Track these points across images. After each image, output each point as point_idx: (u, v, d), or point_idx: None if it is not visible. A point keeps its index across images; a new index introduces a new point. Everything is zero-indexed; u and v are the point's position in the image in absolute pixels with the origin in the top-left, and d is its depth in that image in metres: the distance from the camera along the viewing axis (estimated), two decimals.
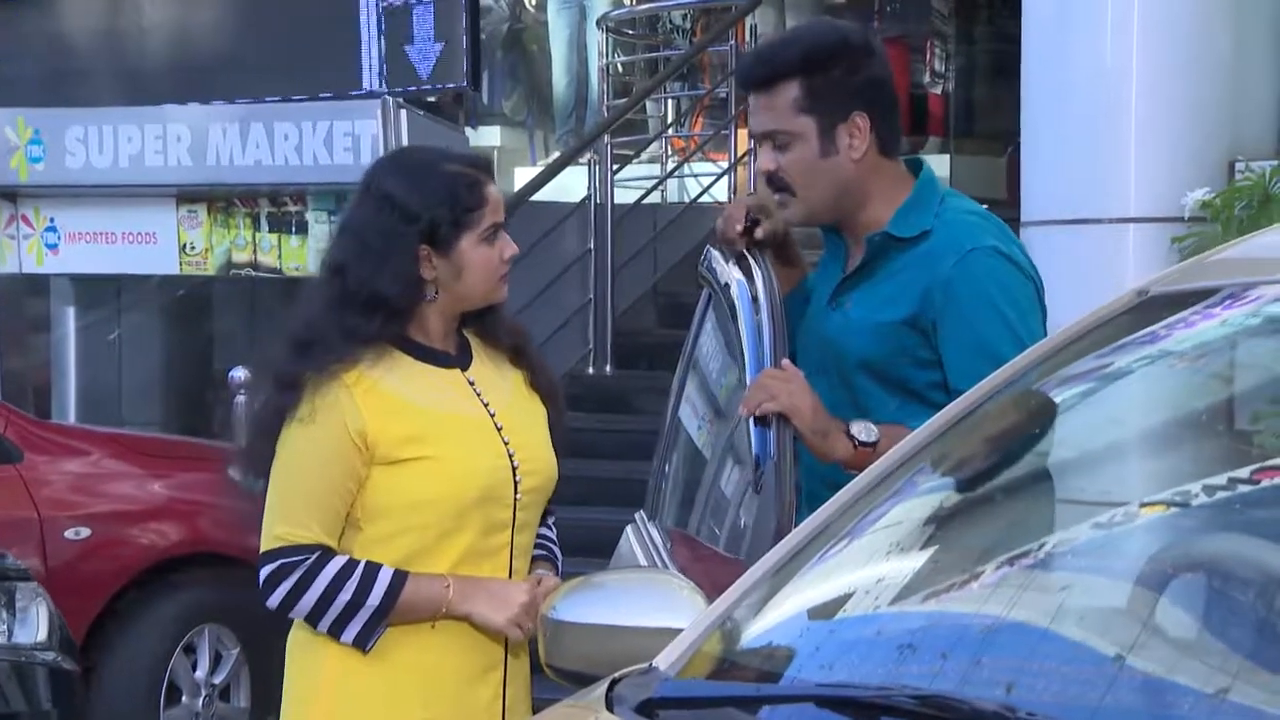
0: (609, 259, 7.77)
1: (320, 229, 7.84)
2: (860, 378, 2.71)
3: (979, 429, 2.15)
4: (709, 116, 10.23)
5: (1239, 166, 5.24)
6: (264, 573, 2.71)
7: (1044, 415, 2.16)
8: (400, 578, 2.71)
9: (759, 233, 2.84)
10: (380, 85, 7.76)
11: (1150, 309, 2.14)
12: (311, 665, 2.77)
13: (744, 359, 2.62)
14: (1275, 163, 4.99)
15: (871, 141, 2.73)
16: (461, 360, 2.84)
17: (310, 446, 2.68)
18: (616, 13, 9.82)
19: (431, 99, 8.52)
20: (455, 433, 2.76)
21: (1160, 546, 1.96)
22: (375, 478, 2.71)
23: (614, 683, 1.99)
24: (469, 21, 7.55)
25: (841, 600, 2.05)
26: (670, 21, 10.52)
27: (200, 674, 5.31)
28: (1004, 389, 2.14)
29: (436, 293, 2.75)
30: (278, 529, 2.70)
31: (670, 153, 9.69)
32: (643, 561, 2.86)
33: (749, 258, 2.80)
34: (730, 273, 2.80)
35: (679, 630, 2.13)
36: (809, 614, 2.05)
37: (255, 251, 8.11)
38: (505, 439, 2.79)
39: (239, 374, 6.36)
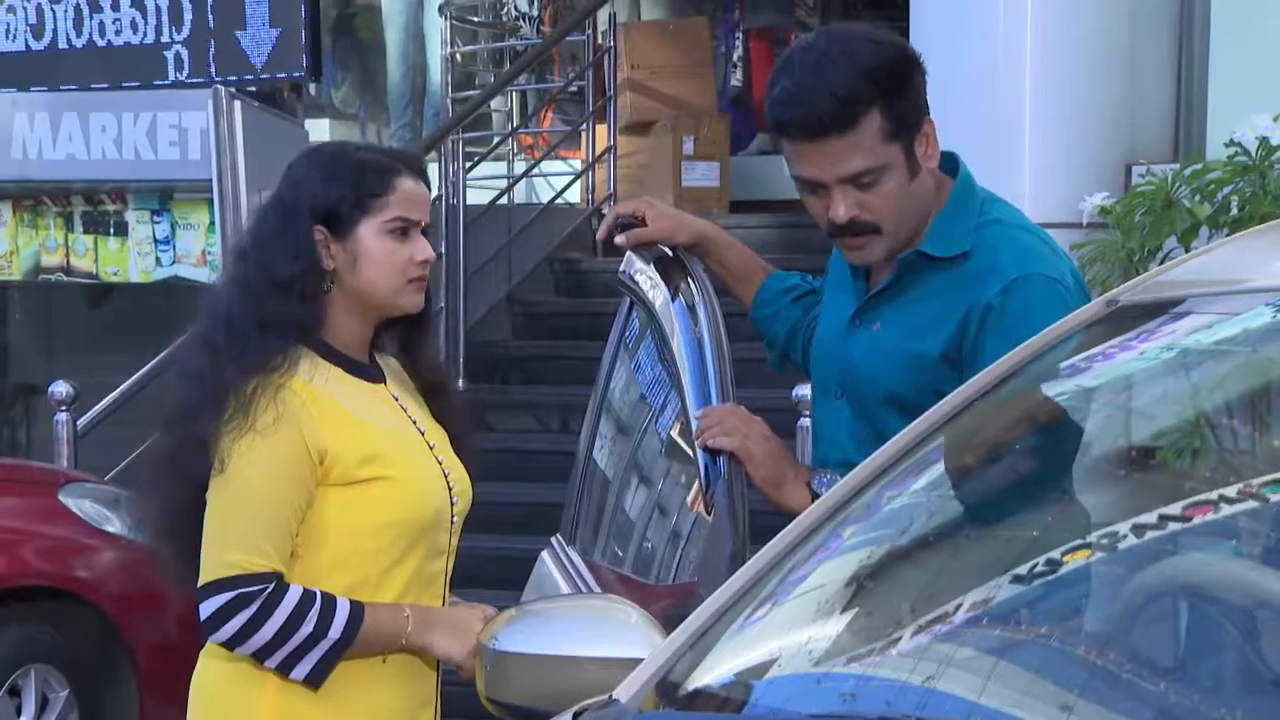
0: (461, 265, 7.78)
1: (143, 230, 7.73)
2: (884, 411, 2.62)
3: (945, 451, 2.22)
4: (558, 111, 10.27)
5: (1138, 170, 5.43)
6: (214, 604, 2.65)
7: (1020, 429, 2.24)
8: (359, 608, 2.69)
9: (621, 237, 2.84)
10: (209, 74, 7.68)
11: (1119, 320, 2.23)
12: (242, 703, 2.73)
13: (679, 374, 2.65)
14: (1176, 166, 5.16)
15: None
16: (380, 374, 2.85)
17: (266, 463, 2.64)
18: None
19: (251, 89, 8.45)
20: (403, 451, 2.77)
21: (1122, 582, 2.05)
22: (326, 500, 2.69)
23: (575, 715, 2.03)
24: (308, 7, 7.51)
25: (806, 631, 2.11)
26: (516, 8, 10.55)
27: (26, 719, 5.21)
28: (975, 401, 2.21)
29: (333, 284, 2.74)
30: (231, 554, 2.65)
31: (517, 150, 9.71)
32: (565, 586, 2.89)
33: (680, 262, 2.83)
34: (658, 281, 2.84)
35: (633, 660, 2.17)
36: (776, 643, 2.10)
37: (68, 254, 7.97)
38: (439, 458, 2.81)
39: (60, 389, 6.25)
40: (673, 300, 2.77)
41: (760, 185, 8.80)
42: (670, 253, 2.89)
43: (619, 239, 2.85)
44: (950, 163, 2.70)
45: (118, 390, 6.60)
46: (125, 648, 5.32)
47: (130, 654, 5.32)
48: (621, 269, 3.05)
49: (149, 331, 7.77)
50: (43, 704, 5.27)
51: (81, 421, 6.37)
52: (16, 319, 9.75)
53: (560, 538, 3.10)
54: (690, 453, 2.62)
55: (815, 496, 2.55)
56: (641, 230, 2.86)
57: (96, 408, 6.50)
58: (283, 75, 7.68)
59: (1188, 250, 5.03)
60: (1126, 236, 5.11)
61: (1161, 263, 5.16)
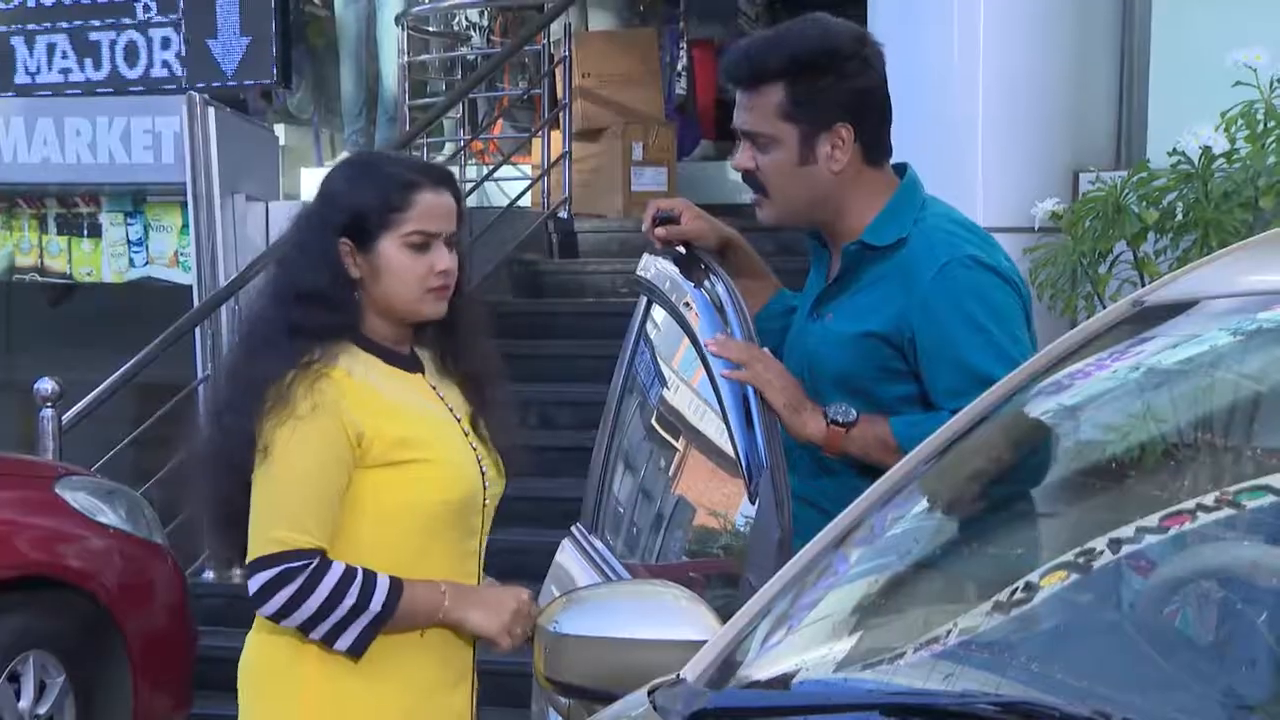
0: None
1: (116, 231, 7.68)
2: (834, 393, 2.74)
3: (977, 449, 2.26)
4: (508, 118, 10.26)
5: (1086, 178, 5.50)
6: (262, 579, 2.69)
7: (1039, 433, 2.29)
8: (398, 584, 2.73)
9: (661, 230, 2.88)
10: (182, 80, 7.64)
11: (1144, 320, 2.28)
12: (288, 676, 2.77)
13: (710, 369, 2.67)
14: (1123, 174, 5.24)
15: (855, 153, 2.76)
16: (419, 365, 2.88)
17: (307, 446, 2.68)
18: (417, 9, 9.79)
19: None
20: (438, 435, 2.80)
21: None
22: (365, 481, 2.73)
23: (649, 693, 2.05)
24: (278, 15, 7.48)
25: (864, 613, 2.14)
26: (467, 18, 10.52)
27: (24, 704, 5.17)
28: (1005, 402, 2.25)
29: (360, 292, 2.78)
30: (277, 532, 2.69)
31: (468, 155, 9.68)
32: (589, 572, 2.91)
33: (699, 262, 2.86)
34: (682, 281, 2.86)
35: (684, 641, 2.20)
36: (832, 628, 2.13)
37: (42, 255, 7.91)
38: (473, 445, 2.84)
39: (46, 385, 6.19)
40: (699, 299, 2.79)
41: (704, 190, 8.82)
42: (685, 253, 2.91)
43: (659, 231, 2.89)
44: (900, 169, 2.85)
45: (101, 386, 6.55)
46: (119, 635, 5.30)
47: (124, 641, 5.30)
48: (639, 270, 3.07)
49: (121, 330, 7.73)
50: (40, 689, 5.24)
51: (66, 417, 6.30)
52: None
53: (581, 526, 3.12)
54: (722, 446, 2.65)
55: (831, 422, 2.64)
56: (678, 227, 2.90)
57: (80, 404, 6.44)
58: (253, 82, 7.65)
59: (1136, 253, 5.11)
60: (1077, 241, 5.18)
61: (1111, 266, 5.25)
